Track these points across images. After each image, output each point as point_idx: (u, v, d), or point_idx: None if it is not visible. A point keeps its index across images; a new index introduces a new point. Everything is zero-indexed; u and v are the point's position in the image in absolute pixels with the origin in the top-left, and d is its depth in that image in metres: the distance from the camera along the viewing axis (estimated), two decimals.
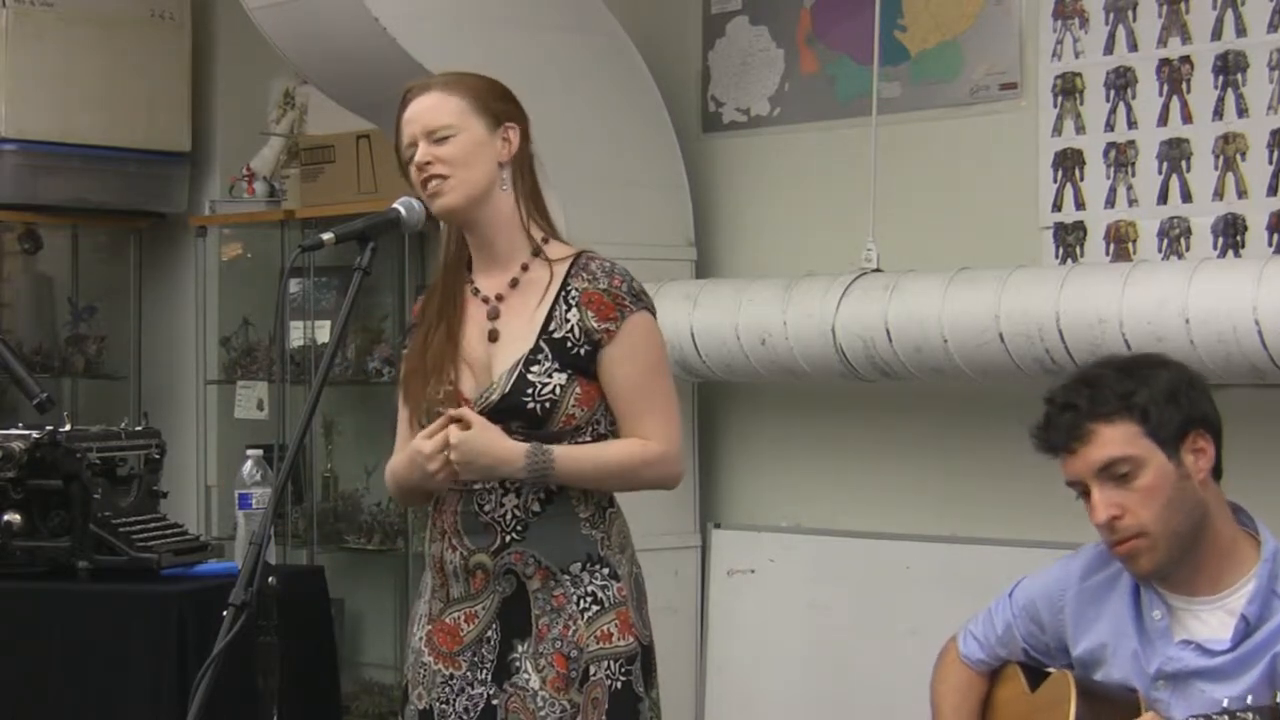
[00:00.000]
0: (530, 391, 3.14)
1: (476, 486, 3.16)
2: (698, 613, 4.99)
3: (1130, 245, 4.25)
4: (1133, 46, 4.25)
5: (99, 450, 4.55)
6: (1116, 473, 2.82)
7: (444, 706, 3.20)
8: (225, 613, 2.72)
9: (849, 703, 4.65)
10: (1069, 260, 4.32)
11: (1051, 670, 3.05)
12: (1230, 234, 4.09)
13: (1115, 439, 2.82)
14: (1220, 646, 2.83)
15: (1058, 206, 4.38)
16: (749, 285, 4.63)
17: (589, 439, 3.18)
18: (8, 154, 5.99)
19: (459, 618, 3.20)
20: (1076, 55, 4.34)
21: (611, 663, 3.16)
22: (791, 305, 4.45)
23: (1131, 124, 4.25)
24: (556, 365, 3.16)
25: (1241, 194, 4.08)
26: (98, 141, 6.17)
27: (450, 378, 3.19)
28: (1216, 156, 4.11)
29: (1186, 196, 4.16)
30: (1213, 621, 2.86)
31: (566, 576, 3.16)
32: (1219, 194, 4.11)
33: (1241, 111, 4.08)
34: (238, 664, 2.71)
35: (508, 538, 3.15)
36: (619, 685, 3.16)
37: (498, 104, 3.21)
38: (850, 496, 4.79)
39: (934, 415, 4.61)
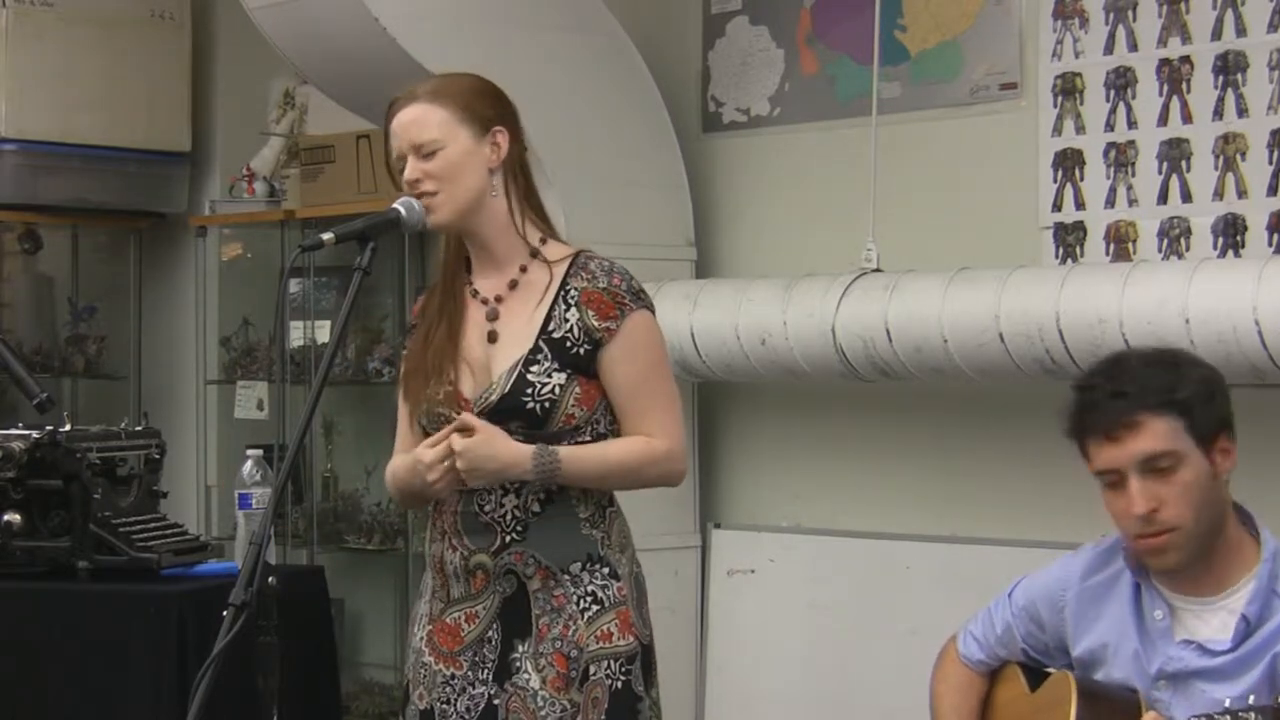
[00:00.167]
0: (530, 391, 3.14)
1: (477, 487, 3.16)
2: (698, 613, 4.99)
3: (1130, 245, 4.24)
4: (1133, 46, 4.25)
5: (99, 450, 4.55)
6: (1159, 465, 2.81)
7: (445, 706, 3.20)
8: (225, 613, 2.71)
9: (849, 703, 4.64)
10: (1069, 260, 4.32)
11: (1051, 670, 3.05)
12: (1230, 234, 4.09)
13: (1162, 432, 2.81)
14: (1221, 646, 2.83)
15: (1058, 206, 4.37)
16: (749, 285, 4.63)
17: (589, 439, 3.17)
18: (8, 154, 5.99)
19: (459, 618, 3.20)
20: (1076, 55, 4.34)
21: (611, 662, 3.16)
22: (791, 305, 4.45)
23: (1131, 124, 4.25)
24: (556, 365, 3.15)
25: (1241, 194, 4.08)
26: (98, 141, 6.17)
27: (450, 378, 3.19)
28: (1216, 156, 4.11)
29: (1186, 196, 4.16)
30: (1214, 621, 2.86)
31: (567, 576, 3.16)
32: (1219, 194, 4.11)
33: (1241, 111, 4.08)
34: (238, 664, 2.70)
35: (508, 538, 3.15)
36: (619, 685, 3.15)
37: (485, 109, 3.18)
38: (850, 496, 4.79)
39: (934, 415, 4.60)
